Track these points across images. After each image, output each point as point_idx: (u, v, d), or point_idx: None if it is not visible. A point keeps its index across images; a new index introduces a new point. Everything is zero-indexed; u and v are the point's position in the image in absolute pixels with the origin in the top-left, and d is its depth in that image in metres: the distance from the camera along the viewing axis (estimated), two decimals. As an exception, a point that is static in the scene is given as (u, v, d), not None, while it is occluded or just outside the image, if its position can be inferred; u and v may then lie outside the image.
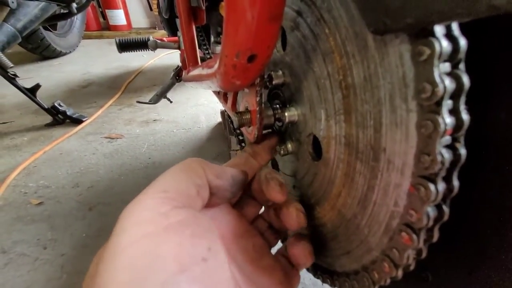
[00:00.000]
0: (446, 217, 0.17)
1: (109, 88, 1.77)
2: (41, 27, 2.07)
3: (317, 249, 0.29)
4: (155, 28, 3.36)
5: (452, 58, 0.15)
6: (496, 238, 0.19)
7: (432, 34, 0.15)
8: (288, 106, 0.31)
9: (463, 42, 0.15)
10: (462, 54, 0.15)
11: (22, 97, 1.25)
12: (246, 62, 0.22)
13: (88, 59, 2.45)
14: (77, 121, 1.31)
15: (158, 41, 0.95)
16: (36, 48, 2.15)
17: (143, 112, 1.44)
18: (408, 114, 0.17)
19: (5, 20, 1.36)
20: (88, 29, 3.10)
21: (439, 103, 0.15)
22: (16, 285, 0.62)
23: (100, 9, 3.24)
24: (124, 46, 1.20)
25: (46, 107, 1.27)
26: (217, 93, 0.54)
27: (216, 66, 0.28)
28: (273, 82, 0.31)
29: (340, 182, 0.25)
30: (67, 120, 1.32)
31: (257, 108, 0.28)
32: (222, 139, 1.17)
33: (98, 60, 2.40)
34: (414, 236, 0.18)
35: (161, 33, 3.30)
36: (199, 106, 1.50)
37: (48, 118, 1.32)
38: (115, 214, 0.84)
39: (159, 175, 0.23)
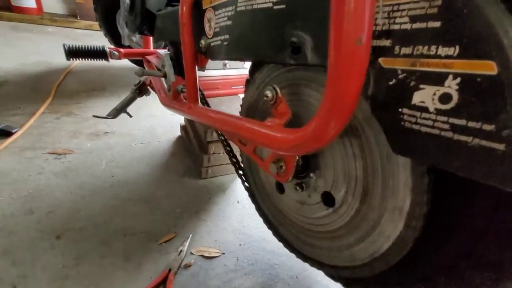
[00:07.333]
0: None
1: (33, 91, 1.52)
2: None
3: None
4: (76, 17, 2.94)
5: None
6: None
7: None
8: None
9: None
10: None
11: None
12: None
13: (-11, 47, 1.99)
14: (5, 134, 1.11)
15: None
16: None
17: (89, 123, 1.33)
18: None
19: None
20: (-21, 6, 2.48)
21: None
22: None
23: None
24: (74, 53, 1.10)
25: (-41, 115, 1.04)
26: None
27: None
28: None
29: None
30: (-13, 131, 1.11)
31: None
32: (186, 154, 1.22)
33: (6, 52, 1.98)
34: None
35: (84, 24, 2.92)
36: (153, 118, 1.47)
37: (-43, 128, 1.07)
38: (90, 240, 0.84)
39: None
